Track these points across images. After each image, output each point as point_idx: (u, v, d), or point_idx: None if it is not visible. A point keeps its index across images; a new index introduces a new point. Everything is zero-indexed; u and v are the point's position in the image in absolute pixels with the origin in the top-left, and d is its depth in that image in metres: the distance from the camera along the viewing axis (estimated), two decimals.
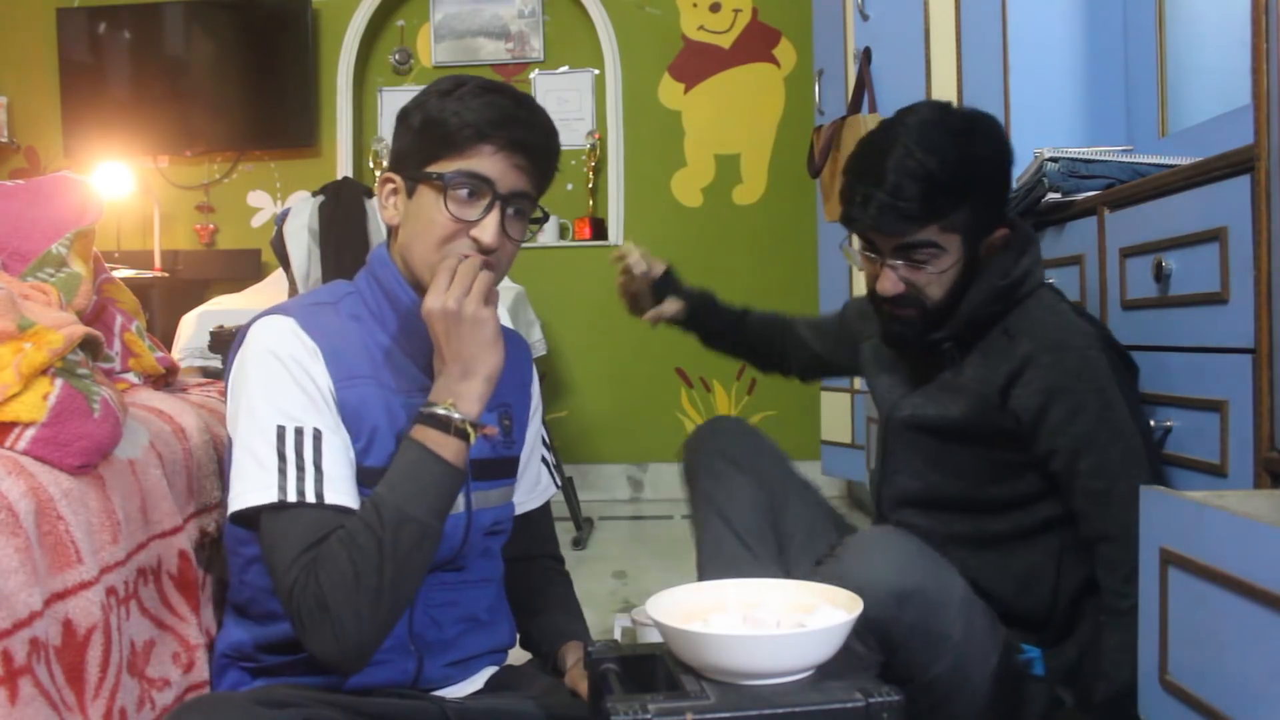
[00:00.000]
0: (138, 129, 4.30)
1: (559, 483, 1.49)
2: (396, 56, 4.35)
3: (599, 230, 4.25)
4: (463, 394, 1.13)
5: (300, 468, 1.12)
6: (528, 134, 1.20)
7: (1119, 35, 2.19)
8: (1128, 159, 1.78)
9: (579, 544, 3.33)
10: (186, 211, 4.45)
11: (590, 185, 4.28)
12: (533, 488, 1.43)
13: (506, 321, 2.90)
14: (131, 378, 1.45)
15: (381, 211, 1.24)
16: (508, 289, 3.52)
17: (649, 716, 0.94)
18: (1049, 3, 2.16)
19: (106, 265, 1.48)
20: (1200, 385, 1.44)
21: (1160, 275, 1.51)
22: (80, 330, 1.16)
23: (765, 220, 4.25)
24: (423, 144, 1.19)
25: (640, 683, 1.07)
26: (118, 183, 4.15)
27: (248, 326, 1.22)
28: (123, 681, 1.07)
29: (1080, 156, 1.79)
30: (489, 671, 1.32)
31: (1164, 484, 1.36)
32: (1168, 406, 1.52)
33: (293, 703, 1.04)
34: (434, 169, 1.18)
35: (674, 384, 4.24)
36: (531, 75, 4.34)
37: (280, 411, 1.15)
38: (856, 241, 1.54)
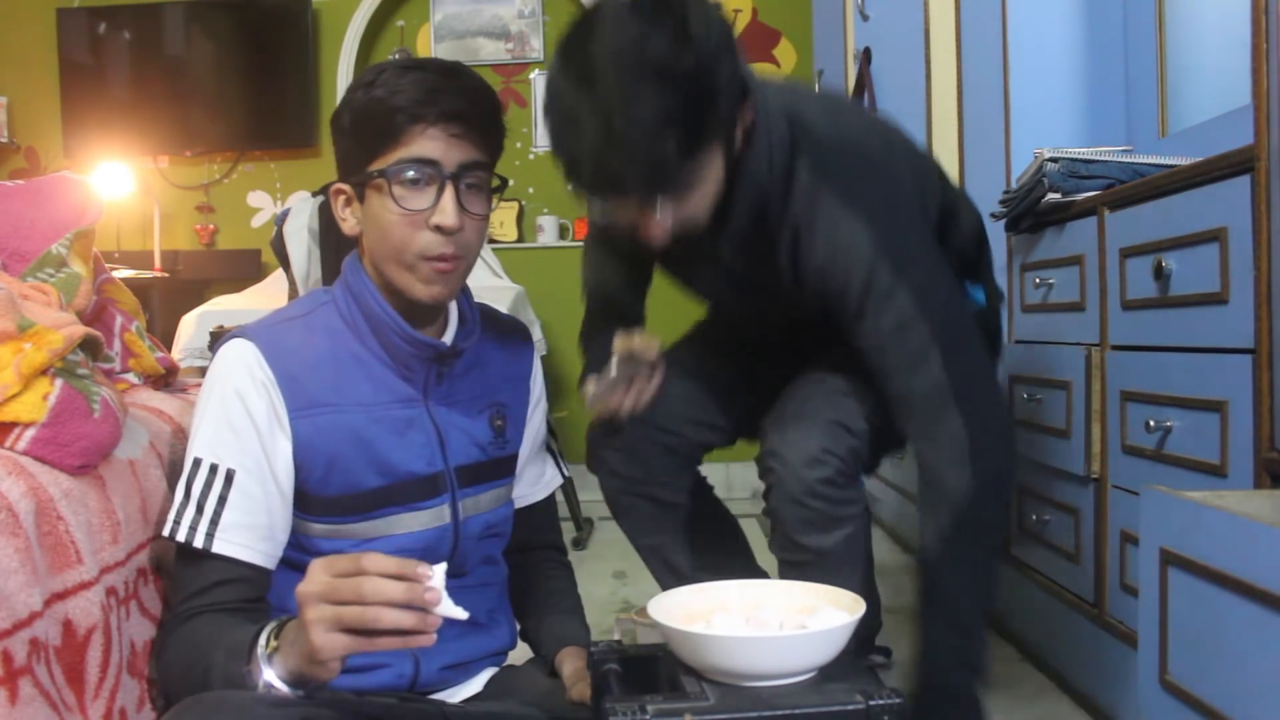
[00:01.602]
0: (138, 129, 4.30)
1: (565, 473, 1.46)
2: (396, 56, 4.35)
3: None
4: (284, 652, 0.99)
5: (200, 509, 1.12)
6: (457, 100, 1.12)
7: (1119, 35, 2.19)
8: (1128, 159, 1.78)
9: (579, 544, 3.33)
10: (186, 211, 4.45)
11: None
12: (536, 480, 1.41)
13: None
14: (131, 378, 1.45)
15: (341, 225, 1.19)
16: (507, 289, 3.51)
17: (647, 717, 0.94)
18: (1049, 3, 2.17)
19: (106, 265, 1.48)
20: (1200, 385, 1.43)
21: (1160, 275, 1.51)
22: (80, 330, 1.16)
23: None
24: (359, 143, 1.14)
25: (642, 683, 1.07)
26: (118, 183, 4.15)
27: (221, 341, 1.20)
28: (123, 682, 1.07)
29: (1080, 157, 1.79)
30: (489, 673, 1.31)
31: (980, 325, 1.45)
32: (1168, 406, 1.52)
33: (292, 702, 1.04)
34: (375, 166, 1.13)
35: None
36: (531, 75, 4.34)
37: (202, 444, 1.14)
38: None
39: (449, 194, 1.12)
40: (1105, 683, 1.74)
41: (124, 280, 1.54)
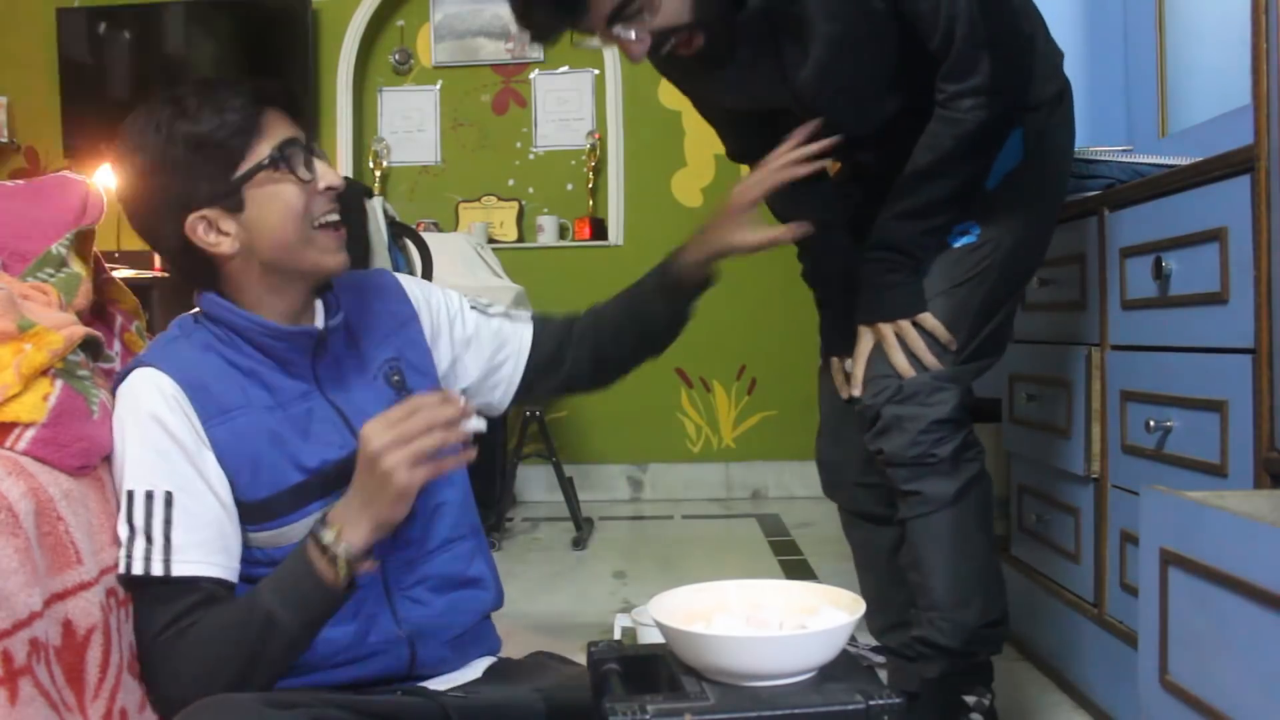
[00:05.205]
0: None
1: (526, 319, 1.44)
2: (396, 56, 4.35)
3: (599, 230, 4.25)
4: (351, 525, 1.12)
5: (148, 538, 1.11)
6: (283, 90, 1.22)
7: (1119, 35, 2.19)
8: (1128, 159, 1.78)
9: (579, 544, 3.33)
10: None
11: (590, 185, 4.28)
12: (504, 344, 1.39)
13: None
14: None
15: (215, 250, 1.18)
16: (507, 289, 3.51)
17: (647, 717, 0.94)
18: (1049, 3, 2.16)
19: (106, 265, 1.48)
20: (1200, 385, 1.44)
21: (1160, 275, 1.51)
22: (80, 331, 1.17)
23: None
24: (213, 159, 1.16)
25: (642, 683, 1.07)
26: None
27: (117, 380, 1.19)
28: (123, 682, 1.07)
29: (1080, 156, 1.79)
30: (486, 662, 1.32)
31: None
32: (1168, 406, 1.52)
33: (300, 703, 1.05)
34: (247, 167, 1.16)
35: (674, 384, 4.24)
36: (531, 75, 4.34)
37: (132, 476, 1.13)
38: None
39: (319, 161, 1.21)
40: (1105, 683, 1.74)
41: (124, 280, 1.54)
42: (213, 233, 1.18)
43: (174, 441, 1.14)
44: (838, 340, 1.63)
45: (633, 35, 1.31)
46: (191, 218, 1.17)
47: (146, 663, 1.13)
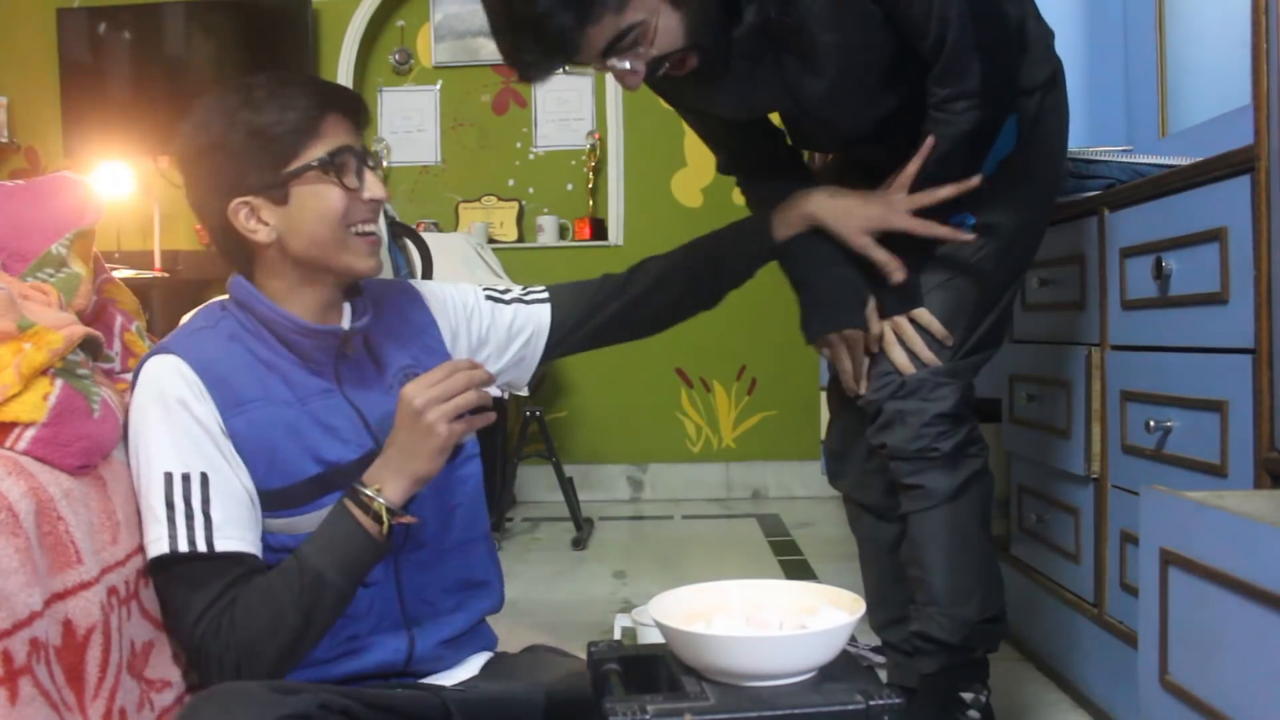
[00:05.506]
0: (138, 129, 4.30)
1: (543, 298, 1.49)
2: (396, 56, 4.34)
3: (599, 230, 4.25)
4: (389, 482, 1.17)
5: (189, 516, 1.14)
6: (350, 97, 1.25)
7: (1119, 35, 2.19)
8: (1128, 159, 1.78)
9: (579, 544, 3.33)
10: (186, 212, 4.36)
11: (590, 185, 4.28)
12: (517, 336, 1.45)
13: None
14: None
15: (252, 237, 1.22)
16: None
17: (647, 717, 0.94)
18: (1049, 3, 2.16)
19: (106, 265, 1.49)
20: (1200, 385, 1.44)
21: (1160, 275, 1.51)
22: (80, 330, 1.17)
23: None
24: (268, 151, 1.19)
25: (642, 683, 1.07)
26: (118, 183, 4.15)
27: (140, 365, 1.21)
28: (123, 681, 1.07)
29: (1080, 156, 1.79)
30: (483, 658, 1.33)
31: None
32: (1168, 406, 1.52)
33: (306, 689, 1.06)
34: (298, 165, 1.19)
35: (674, 384, 4.24)
36: None
37: (166, 457, 1.15)
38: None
39: (369, 172, 1.24)
40: (1105, 683, 1.74)
41: (124, 280, 1.55)
42: (253, 220, 1.21)
43: (200, 425, 1.16)
44: (838, 313, 1.56)
45: (628, 65, 1.31)
46: (235, 202, 1.21)
47: (194, 640, 1.14)
